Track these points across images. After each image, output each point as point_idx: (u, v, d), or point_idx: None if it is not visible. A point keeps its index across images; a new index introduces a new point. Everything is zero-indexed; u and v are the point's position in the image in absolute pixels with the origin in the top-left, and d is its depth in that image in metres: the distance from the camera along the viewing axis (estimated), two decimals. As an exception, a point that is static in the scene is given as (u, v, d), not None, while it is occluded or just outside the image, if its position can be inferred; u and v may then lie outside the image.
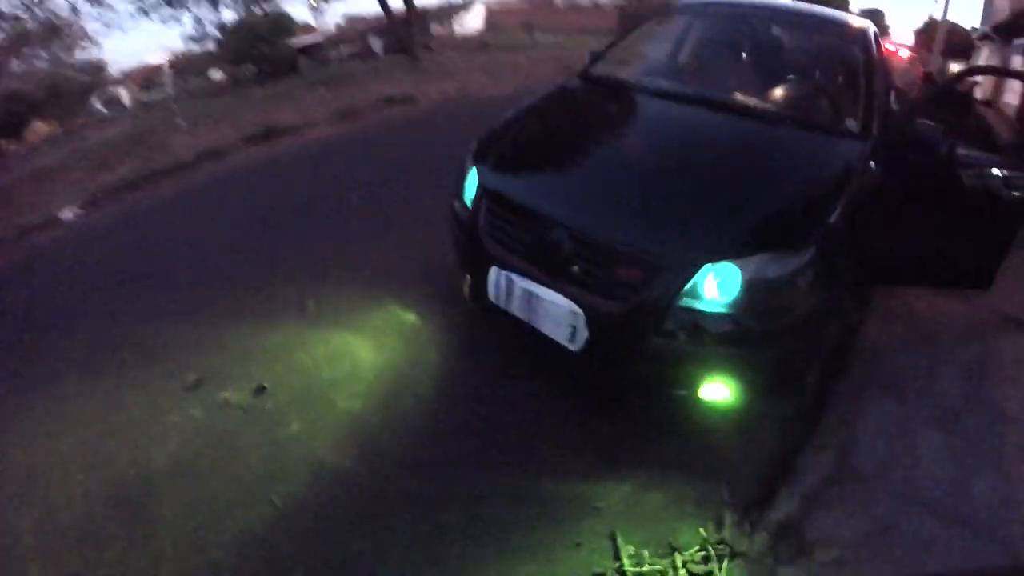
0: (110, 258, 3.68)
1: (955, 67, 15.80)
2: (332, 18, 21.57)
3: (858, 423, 2.15)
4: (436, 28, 13.83)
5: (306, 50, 17.48)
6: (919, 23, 35.98)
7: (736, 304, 1.70)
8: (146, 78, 21.45)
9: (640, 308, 1.74)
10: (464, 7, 22.07)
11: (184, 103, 10.95)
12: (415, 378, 2.35)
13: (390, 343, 2.56)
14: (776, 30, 3.03)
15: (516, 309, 1.98)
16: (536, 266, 1.92)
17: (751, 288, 1.69)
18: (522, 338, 2.10)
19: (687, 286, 1.70)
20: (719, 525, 1.79)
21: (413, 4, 11.21)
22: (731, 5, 3.34)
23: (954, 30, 18.93)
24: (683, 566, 1.65)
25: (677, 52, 3.25)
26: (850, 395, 2.33)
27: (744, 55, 2.99)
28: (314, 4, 12.18)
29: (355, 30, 19.38)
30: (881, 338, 2.68)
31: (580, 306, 1.81)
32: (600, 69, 2.95)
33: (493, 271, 2.02)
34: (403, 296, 2.86)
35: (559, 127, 2.52)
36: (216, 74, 18.24)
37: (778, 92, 2.64)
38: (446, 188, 4.24)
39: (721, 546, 1.72)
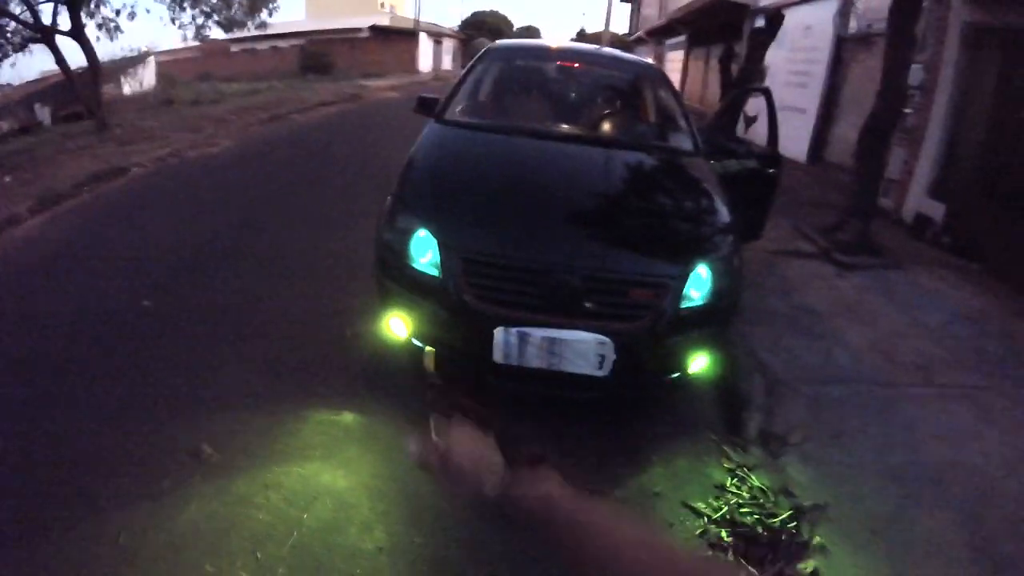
0: None
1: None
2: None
3: (754, 348, 3.00)
4: (104, 87, 11.65)
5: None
6: (572, 34, 43.88)
7: (711, 293, 2.27)
8: None
9: (657, 320, 2.16)
10: (135, 62, 18.67)
11: None
12: (415, 477, 2.10)
13: (352, 455, 2.27)
14: (596, 69, 3.67)
15: (533, 360, 2.12)
16: (551, 313, 2.10)
17: (716, 278, 2.28)
18: (532, 386, 2.26)
19: (684, 291, 2.19)
20: (728, 457, 2.33)
21: (97, 59, 9.14)
22: (543, 49, 3.88)
23: (612, 37, 24.13)
24: (741, 490, 2.17)
25: (520, 94, 3.67)
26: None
27: (577, 94, 3.61)
28: None
29: (9, 100, 14.78)
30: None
31: (607, 335, 2.08)
32: (458, 115, 3.19)
33: (499, 332, 2.09)
34: (315, 398, 2.53)
35: (484, 175, 2.64)
36: None
37: (629, 123, 3.36)
38: (234, 266, 3.84)
39: (742, 469, 2.24)
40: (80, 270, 3.90)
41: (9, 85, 15.79)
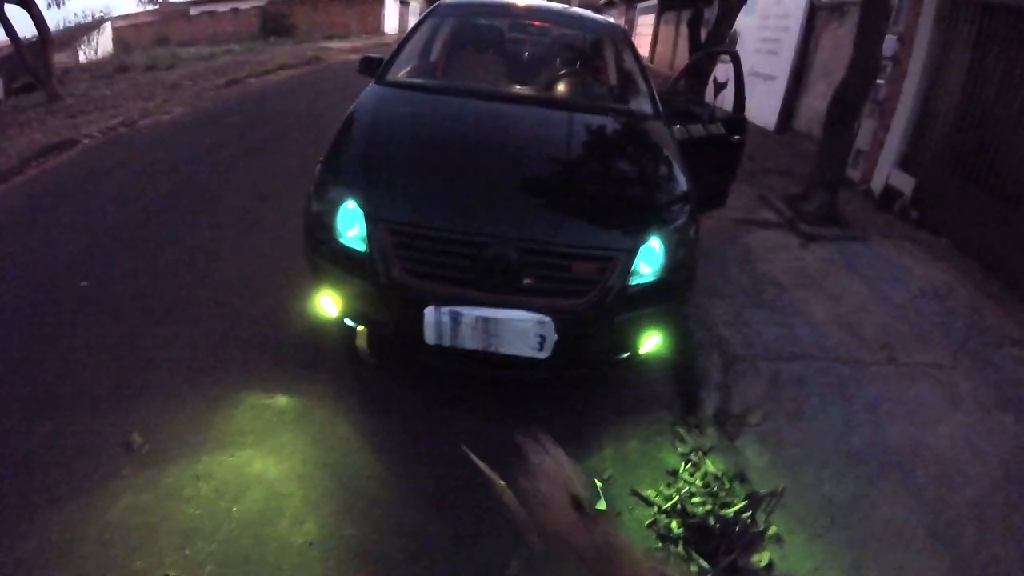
0: None
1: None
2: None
3: (713, 323, 2.88)
4: (58, 56, 11.13)
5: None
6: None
7: (664, 268, 2.09)
8: None
9: (603, 298, 1.98)
10: (89, 29, 17.84)
11: None
12: (350, 463, 2.04)
13: (285, 441, 2.12)
14: (553, 27, 3.43)
15: (467, 341, 1.95)
16: (486, 290, 1.92)
17: (670, 252, 2.10)
18: (468, 367, 2.11)
19: (633, 266, 2.01)
20: (682, 440, 2.23)
21: (47, 28, 8.64)
22: (496, 5, 3.60)
23: (583, 1, 23.50)
24: (694, 477, 2.06)
25: (470, 53, 3.42)
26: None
27: (530, 54, 3.34)
28: None
29: None
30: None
31: (547, 314, 1.91)
32: (400, 75, 2.95)
33: (430, 311, 1.92)
34: (249, 381, 2.38)
35: (421, 140, 2.41)
36: None
37: (585, 85, 3.11)
38: (175, 242, 3.64)
39: (696, 452, 2.15)
40: (19, 250, 3.65)
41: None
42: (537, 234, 1.97)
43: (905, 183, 5.08)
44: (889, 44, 5.18)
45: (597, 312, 1.98)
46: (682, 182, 2.36)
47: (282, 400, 2.30)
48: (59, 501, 1.87)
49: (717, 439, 2.22)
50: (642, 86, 3.08)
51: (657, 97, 3.00)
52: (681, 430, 2.27)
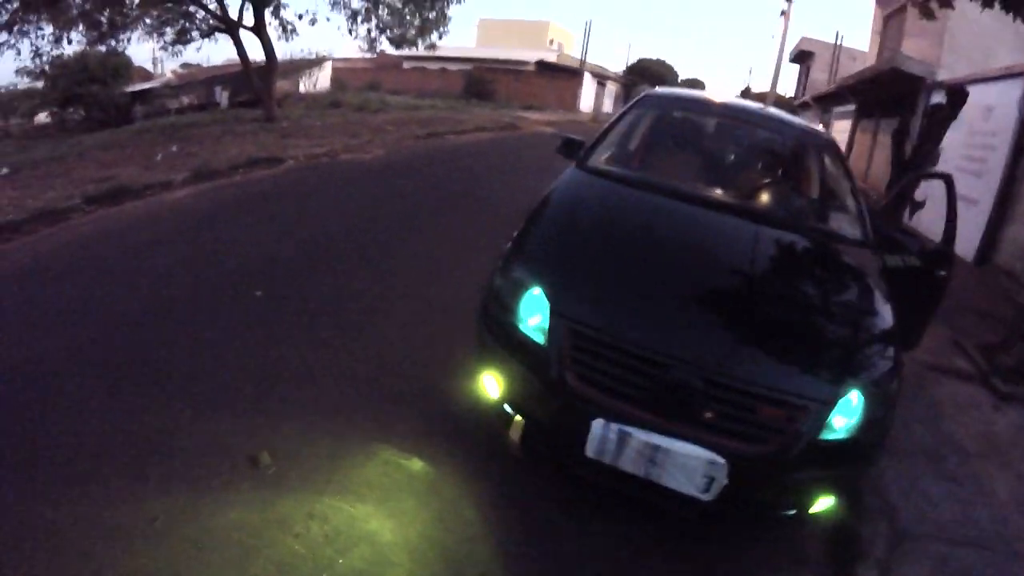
0: None
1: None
2: (170, 64, 20.01)
3: (886, 487, 2.51)
4: (281, 83, 13.38)
5: (141, 96, 15.54)
6: (737, 91, 43.36)
7: (860, 426, 1.84)
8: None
9: (787, 449, 1.76)
10: (313, 64, 21.44)
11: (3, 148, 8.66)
12: (465, 551, 1.92)
13: (408, 507, 2.06)
14: (757, 130, 3.32)
15: (628, 464, 1.80)
16: (661, 415, 1.78)
17: (869, 408, 1.85)
18: (622, 488, 1.94)
19: (827, 419, 1.79)
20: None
21: (274, 55, 10.34)
22: (703, 102, 3.57)
23: (778, 99, 23.42)
24: None
25: (670, 147, 3.37)
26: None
27: (734, 156, 3.25)
28: (161, 51, 11.16)
29: (194, 78, 18.01)
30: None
31: (722, 455, 1.72)
32: (602, 163, 2.94)
33: (598, 424, 1.79)
34: (389, 435, 2.37)
35: (619, 237, 2.33)
36: (42, 116, 15.67)
37: (793, 199, 2.93)
38: (354, 277, 3.74)
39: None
40: (209, 248, 4.16)
41: (198, 65, 18.85)
42: (728, 366, 1.80)
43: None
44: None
45: (777, 463, 1.76)
46: (890, 326, 2.10)
47: (417, 465, 2.25)
48: (173, 492, 1.95)
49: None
50: (853, 207, 2.83)
51: (870, 222, 2.73)
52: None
